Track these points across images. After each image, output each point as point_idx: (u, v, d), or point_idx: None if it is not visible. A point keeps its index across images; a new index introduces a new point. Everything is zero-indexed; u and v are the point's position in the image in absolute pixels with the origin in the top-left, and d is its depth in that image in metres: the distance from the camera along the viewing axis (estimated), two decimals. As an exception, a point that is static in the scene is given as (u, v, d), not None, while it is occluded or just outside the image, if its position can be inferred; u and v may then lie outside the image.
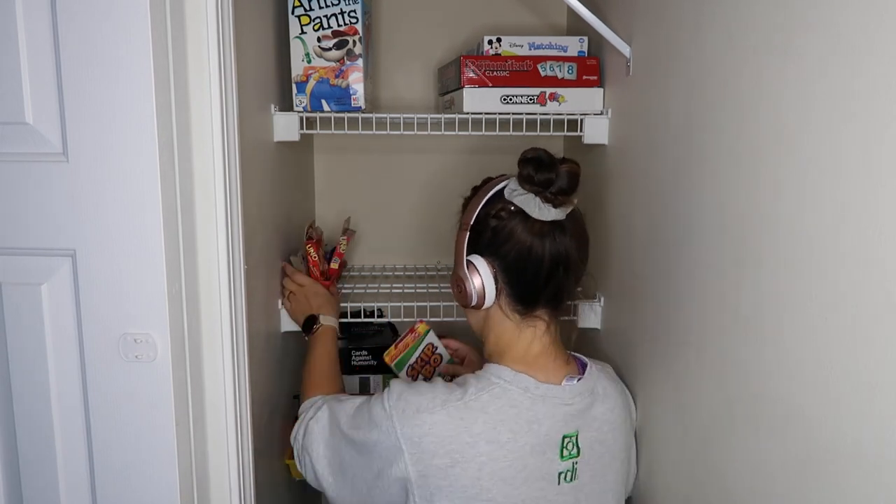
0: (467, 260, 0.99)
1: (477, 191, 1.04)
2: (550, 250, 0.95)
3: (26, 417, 0.92)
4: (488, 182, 1.03)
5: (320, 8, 1.26)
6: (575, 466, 0.97)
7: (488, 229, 0.98)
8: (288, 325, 1.32)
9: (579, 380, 0.99)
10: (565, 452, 0.95)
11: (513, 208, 0.96)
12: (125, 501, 0.92)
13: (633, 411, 1.09)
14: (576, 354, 1.06)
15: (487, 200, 0.99)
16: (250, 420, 1.04)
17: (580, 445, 0.97)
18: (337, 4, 1.26)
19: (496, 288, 0.98)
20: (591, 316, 1.34)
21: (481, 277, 0.97)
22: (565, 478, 0.96)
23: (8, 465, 0.94)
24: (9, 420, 0.92)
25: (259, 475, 1.11)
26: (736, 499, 0.80)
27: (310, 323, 1.23)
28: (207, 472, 0.99)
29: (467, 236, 1.00)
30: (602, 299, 1.32)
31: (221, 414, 0.99)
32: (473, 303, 0.99)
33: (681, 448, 0.95)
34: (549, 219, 0.94)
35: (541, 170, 0.93)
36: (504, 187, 0.99)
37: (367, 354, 1.58)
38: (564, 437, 0.96)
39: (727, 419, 0.82)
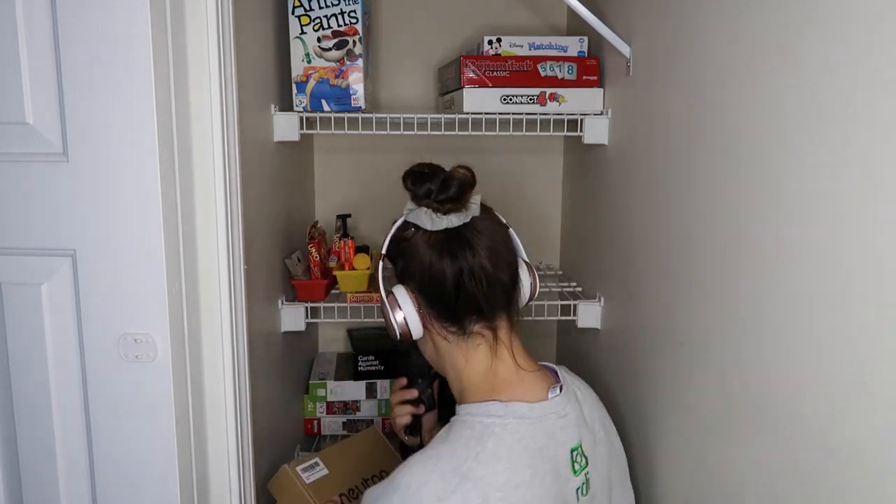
0: (386, 291, 0.92)
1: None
2: (450, 260, 0.88)
3: (26, 417, 0.92)
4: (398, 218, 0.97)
5: (320, 8, 1.26)
6: (587, 477, 0.91)
7: (399, 255, 0.93)
8: (288, 324, 1.32)
9: (561, 388, 0.92)
10: (576, 466, 0.90)
11: (413, 227, 0.91)
12: (125, 501, 0.92)
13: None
14: (544, 364, 0.98)
15: (399, 226, 0.93)
16: (250, 420, 1.04)
17: (587, 454, 0.92)
18: (337, 4, 1.26)
19: (419, 314, 0.91)
20: (590, 316, 1.34)
21: (399, 307, 0.91)
22: (581, 492, 0.90)
23: (8, 465, 0.94)
24: (9, 420, 0.92)
25: (259, 475, 1.11)
26: (736, 498, 0.80)
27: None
28: (207, 471, 0.99)
29: (381, 265, 0.94)
30: (602, 299, 1.32)
31: (221, 414, 0.99)
32: (398, 336, 0.92)
33: (681, 448, 0.95)
34: (441, 227, 0.88)
35: (418, 181, 0.90)
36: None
37: (374, 359, 1.56)
38: (572, 451, 0.90)
39: (727, 419, 0.82)
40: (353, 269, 1.36)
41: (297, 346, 1.51)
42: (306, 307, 1.33)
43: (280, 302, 1.32)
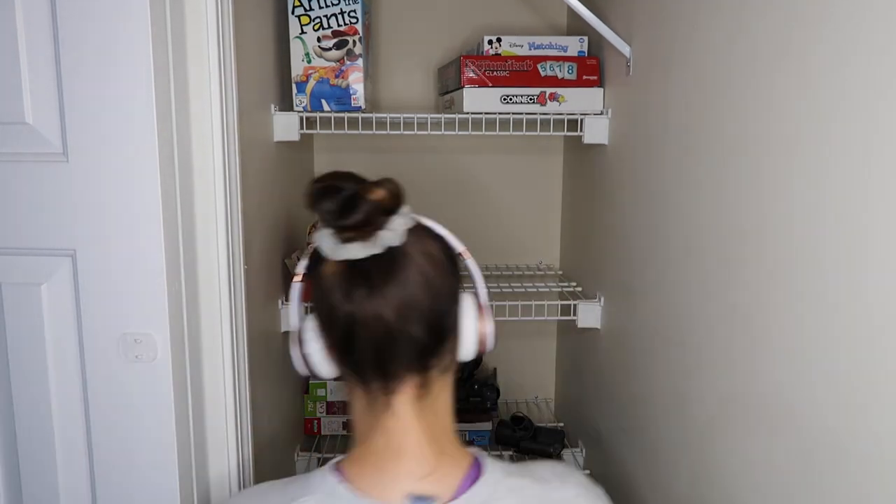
0: (293, 325, 0.76)
1: None
2: (343, 300, 0.68)
3: (26, 417, 0.92)
4: None
5: (320, 8, 1.26)
6: None
7: (310, 278, 0.74)
8: (288, 325, 1.32)
9: (436, 501, 0.69)
10: None
11: (316, 251, 0.72)
12: (125, 501, 0.92)
13: None
14: (479, 454, 0.75)
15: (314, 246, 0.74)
16: (250, 420, 1.04)
17: None
18: (337, 4, 1.26)
19: (325, 351, 0.72)
20: (590, 316, 1.34)
21: (303, 343, 0.73)
22: None
23: (8, 465, 0.94)
24: (9, 420, 0.92)
25: (259, 475, 1.11)
26: (735, 498, 0.80)
27: None
28: (207, 472, 0.99)
29: (295, 288, 0.77)
30: (602, 299, 1.32)
31: (221, 414, 0.99)
32: (301, 370, 0.76)
33: (680, 447, 0.95)
34: (340, 258, 0.68)
35: (321, 197, 0.68)
36: None
37: None
38: None
39: (726, 419, 0.82)
40: None
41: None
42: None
43: (280, 302, 1.32)
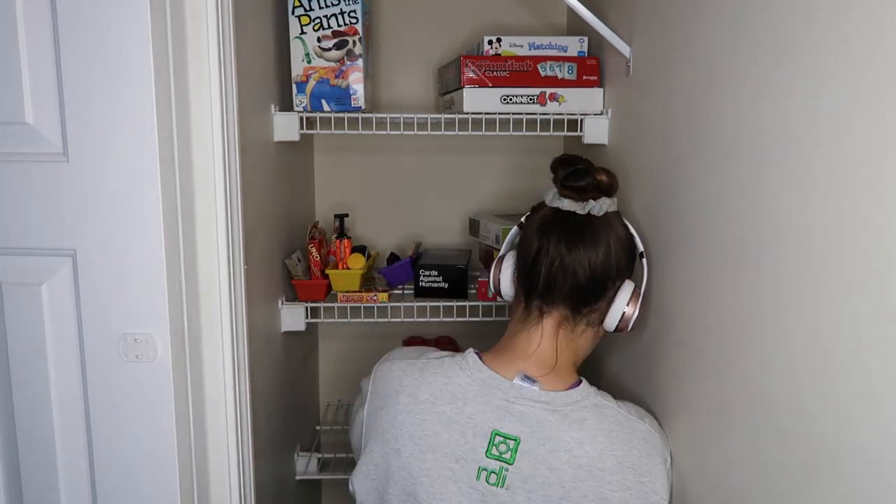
0: (500, 254, 1.04)
1: None
2: (540, 234, 0.96)
3: (26, 417, 0.92)
4: None
5: (320, 8, 1.26)
6: (504, 473, 0.89)
7: (524, 223, 1.04)
8: (288, 324, 1.32)
9: (543, 389, 0.92)
10: (494, 450, 0.90)
11: (541, 204, 1.02)
12: (125, 501, 0.92)
13: (658, 491, 0.91)
14: (582, 379, 0.97)
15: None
16: (250, 420, 1.04)
17: (517, 454, 0.89)
18: (337, 4, 1.26)
19: (514, 279, 1.01)
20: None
21: (501, 269, 1.02)
22: (488, 478, 0.89)
23: (8, 465, 0.94)
24: (9, 420, 0.92)
25: (259, 475, 1.11)
26: (736, 498, 0.80)
27: None
28: (207, 472, 0.99)
29: (513, 230, 1.05)
30: (602, 299, 1.32)
31: (221, 414, 0.99)
32: (493, 292, 1.04)
33: (681, 448, 0.95)
34: (556, 205, 0.96)
35: (564, 164, 0.98)
36: None
37: (436, 274, 1.40)
38: (495, 434, 0.90)
39: (727, 419, 0.82)
40: (347, 268, 1.36)
41: (297, 346, 1.51)
42: (306, 307, 1.33)
43: (280, 302, 1.32)
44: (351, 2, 1.26)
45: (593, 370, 1.37)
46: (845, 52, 0.60)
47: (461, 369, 0.95)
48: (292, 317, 1.33)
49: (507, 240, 1.06)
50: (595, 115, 1.30)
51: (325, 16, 1.26)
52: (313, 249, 1.34)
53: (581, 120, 1.30)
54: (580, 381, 0.96)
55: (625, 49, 1.17)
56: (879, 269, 0.56)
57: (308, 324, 1.35)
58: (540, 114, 1.29)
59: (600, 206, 0.95)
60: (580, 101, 1.30)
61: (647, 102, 1.09)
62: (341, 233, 1.42)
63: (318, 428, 1.67)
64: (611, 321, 0.97)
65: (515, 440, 0.90)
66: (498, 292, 1.04)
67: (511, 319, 1.02)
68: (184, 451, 0.92)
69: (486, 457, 0.90)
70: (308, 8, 1.25)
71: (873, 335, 0.57)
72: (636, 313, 0.97)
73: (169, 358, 0.88)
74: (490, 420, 0.91)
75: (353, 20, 1.26)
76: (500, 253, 1.04)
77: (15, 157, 0.86)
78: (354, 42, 1.27)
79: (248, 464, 1.04)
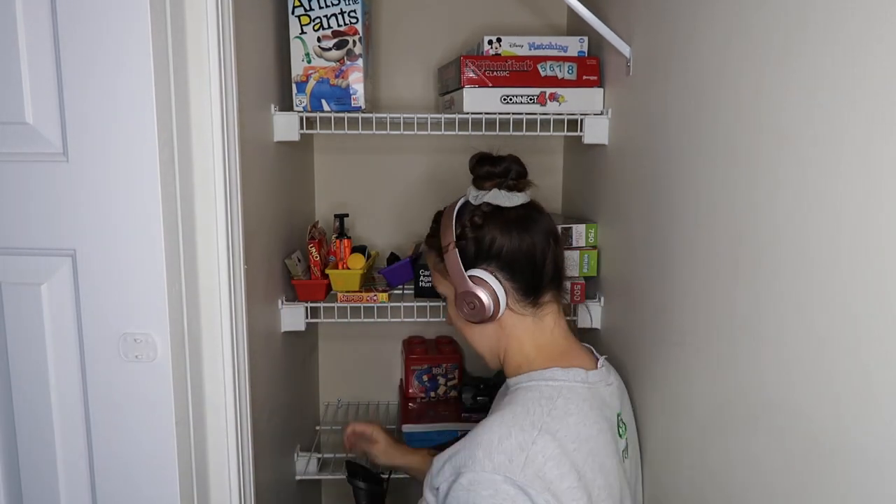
0: (469, 276, 0.96)
1: (439, 219, 1.04)
2: (536, 229, 0.98)
3: (26, 417, 0.92)
4: (444, 210, 1.04)
5: (320, 8, 1.26)
6: (628, 443, 1.01)
7: (470, 241, 0.97)
8: (288, 324, 1.32)
9: (606, 359, 1.03)
10: (621, 430, 1.00)
11: (484, 210, 0.98)
12: (125, 501, 0.92)
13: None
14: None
15: (457, 217, 0.99)
16: (250, 420, 1.04)
17: (625, 422, 1.02)
18: (337, 4, 1.26)
19: (504, 290, 0.97)
20: (591, 316, 1.34)
21: (490, 285, 0.95)
22: (625, 454, 0.99)
23: (8, 465, 0.94)
24: (9, 420, 0.92)
25: (259, 475, 1.11)
26: (736, 498, 0.80)
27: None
28: (207, 472, 0.99)
29: (456, 253, 0.97)
30: (602, 299, 1.32)
31: (221, 414, 0.99)
32: (490, 314, 0.96)
33: (680, 448, 0.95)
34: (518, 202, 0.98)
35: (495, 163, 0.99)
36: (465, 202, 1.01)
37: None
38: (618, 416, 0.99)
39: (726, 419, 0.82)
40: (347, 268, 1.36)
41: (297, 346, 1.51)
42: (306, 307, 1.33)
43: (280, 302, 1.32)
44: (351, 2, 1.26)
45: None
46: (843, 52, 0.60)
47: (580, 383, 0.94)
48: (292, 317, 1.33)
49: (453, 269, 0.97)
50: (595, 115, 1.30)
51: (325, 16, 1.26)
52: (313, 249, 1.34)
53: (581, 120, 1.30)
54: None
55: (625, 49, 1.17)
56: (877, 269, 0.56)
57: (308, 324, 1.35)
58: (540, 114, 1.29)
59: (531, 187, 1.03)
60: (580, 101, 1.30)
61: (647, 102, 1.09)
62: (341, 233, 1.42)
63: (318, 428, 1.67)
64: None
65: (619, 412, 1.00)
66: (494, 314, 0.96)
67: (515, 331, 0.99)
68: (184, 451, 0.92)
69: (620, 438, 0.98)
70: (308, 8, 1.25)
71: (872, 334, 0.57)
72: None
73: (169, 358, 0.88)
74: (614, 408, 0.99)
75: (353, 20, 1.26)
76: (466, 280, 0.95)
77: (15, 157, 0.86)
78: (354, 42, 1.27)
79: (248, 464, 1.04)
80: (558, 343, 1.00)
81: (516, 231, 0.96)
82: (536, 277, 0.98)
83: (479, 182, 1.00)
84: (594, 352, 1.05)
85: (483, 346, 1.03)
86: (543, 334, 1.00)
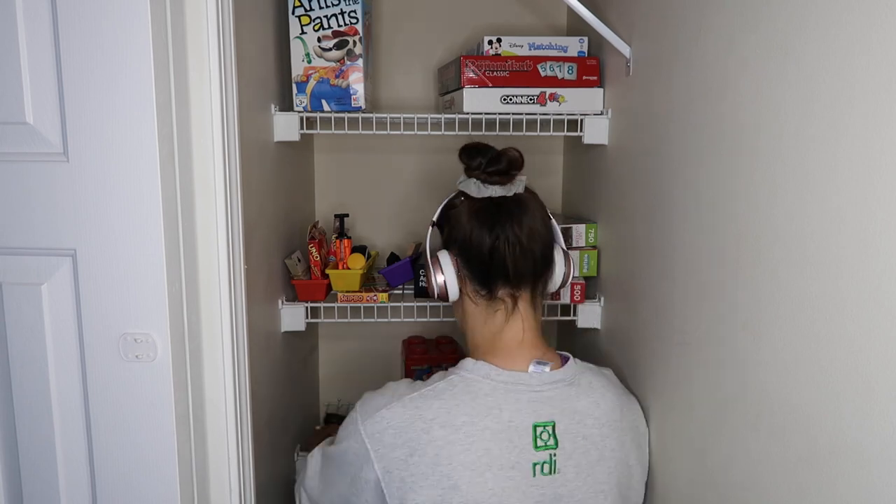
0: (431, 254, 1.03)
1: None
2: (490, 225, 0.98)
3: (26, 417, 0.92)
4: None
5: (320, 8, 1.26)
6: (553, 459, 0.94)
7: (447, 222, 1.03)
8: (288, 324, 1.32)
9: (552, 368, 0.98)
10: (539, 442, 0.94)
11: (462, 197, 1.02)
12: (125, 501, 0.92)
13: (640, 423, 1.05)
14: (561, 353, 1.04)
15: (450, 196, 1.05)
16: (250, 420, 1.04)
17: (557, 437, 0.95)
18: (337, 4, 1.26)
19: (458, 276, 1.01)
20: (591, 316, 1.34)
21: (441, 268, 1.01)
22: (542, 470, 0.94)
23: (8, 465, 0.94)
24: (9, 420, 0.92)
25: (259, 475, 1.11)
26: (736, 498, 0.80)
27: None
28: (207, 472, 0.99)
29: (430, 231, 1.05)
30: (602, 299, 1.32)
31: (221, 414, 0.99)
32: (436, 293, 1.02)
33: (680, 447, 0.95)
34: (486, 195, 0.98)
35: (474, 154, 1.00)
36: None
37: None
38: (536, 426, 0.94)
39: (726, 418, 0.82)
40: (347, 268, 1.36)
41: (297, 346, 1.51)
42: (306, 307, 1.33)
43: (280, 302, 1.32)
44: (351, 2, 1.26)
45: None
46: (843, 53, 0.60)
47: (482, 378, 0.95)
48: (292, 317, 1.33)
49: (427, 241, 1.06)
50: (595, 115, 1.30)
51: (326, 16, 1.26)
52: (313, 249, 1.34)
53: (581, 120, 1.30)
54: (563, 353, 1.04)
55: (625, 49, 1.17)
56: (878, 269, 0.56)
57: (308, 324, 1.35)
58: (540, 114, 1.29)
59: (522, 182, 1.01)
60: (580, 101, 1.30)
61: (647, 102, 1.09)
62: (341, 233, 1.42)
63: (317, 428, 1.67)
64: (556, 281, 1.04)
65: (552, 424, 0.95)
66: (444, 295, 1.02)
67: (470, 319, 1.03)
68: (184, 451, 0.92)
69: (535, 450, 0.94)
70: (308, 8, 1.25)
71: (872, 334, 0.57)
72: (572, 268, 1.06)
73: (169, 358, 0.88)
74: (527, 415, 0.94)
75: (354, 20, 1.26)
76: (428, 256, 1.04)
77: (15, 157, 0.86)
78: (354, 42, 1.27)
79: (248, 464, 1.04)
80: (501, 339, 1.00)
81: (473, 223, 0.98)
82: (484, 273, 0.99)
83: (465, 170, 1.03)
84: (570, 359, 1.02)
85: (458, 322, 1.09)
86: (490, 328, 1.01)
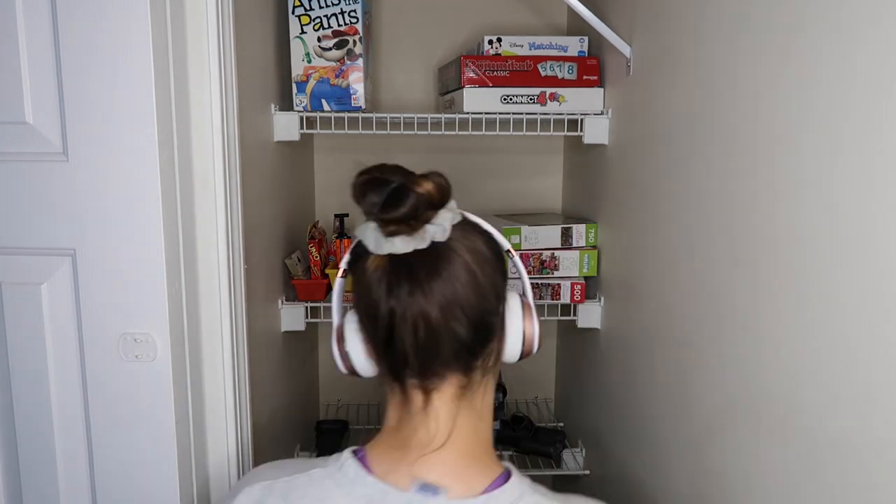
0: (338, 314, 0.75)
1: None
2: (386, 295, 0.66)
3: (26, 417, 0.92)
4: None
5: (320, 8, 1.26)
6: None
7: (353, 273, 0.72)
8: (288, 324, 1.32)
9: (449, 495, 0.67)
10: None
11: (358, 246, 0.70)
12: (125, 501, 0.92)
13: None
14: (511, 469, 0.71)
15: (356, 240, 0.72)
16: (250, 420, 1.04)
17: None
18: (337, 4, 1.26)
19: (365, 349, 0.71)
20: (591, 316, 1.34)
21: (345, 338, 0.72)
22: None
23: (8, 465, 0.94)
24: (9, 420, 0.92)
25: (259, 475, 1.11)
26: (736, 498, 0.80)
27: None
28: (207, 472, 0.99)
29: (337, 283, 0.76)
30: (602, 299, 1.32)
31: (221, 414, 0.99)
32: (342, 369, 0.73)
33: (680, 448, 0.95)
34: (384, 252, 0.66)
35: (365, 190, 0.67)
36: None
37: None
38: None
39: (726, 418, 0.82)
40: None
41: (297, 346, 1.51)
42: (306, 307, 1.33)
43: (280, 302, 1.32)
44: (351, 1, 1.26)
45: (591, 374, 1.37)
46: (843, 52, 0.60)
47: (337, 486, 0.69)
48: (292, 317, 1.33)
49: (334, 296, 0.76)
50: (595, 114, 1.30)
51: (326, 15, 1.26)
52: (313, 249, 1.34)
53: (581, 120, 1.30)
54: (507, 473, 0.70)
55: (625, 49, 1.17)
56: (877, 269, 0.56)
57: (308, 324, 1.35)
58: (540, 114, 1.29)
59: (443, 227, 0.66)
60: (580, 101, 1.30)
61: (647, 102, 1.09)
62: (341, 233, 1.42)
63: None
64: (511, 353, 0.72)
65: None
66: (353, 372, 0.73)
67: (388, 400, 0.73)
68: (184, 451, 0.92)
69: None
70: (308, 8, 1.25)
71: (872, 334, 0.57)
72: (538, 325, 0.73)
73: (169, 358, 0.88)
74: None
75: (354, 20, 1.26)
76: (335, 318, 0.75)
77: (15, 157, 0.85)
78: (354, 42, 1.27)
79: (248, 463, 1.04)
80: (396, 435, 0.70)
81: (365, 289, 0.68)
82: (379, 354, 0.69)
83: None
84: (505, 484, 0.68)
85: None
86: (392, 419, 0.72)
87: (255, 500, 0.71)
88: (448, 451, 0.68)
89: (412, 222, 0.65)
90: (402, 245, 0.65)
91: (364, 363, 0.71)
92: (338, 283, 0.76)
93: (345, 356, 0.72)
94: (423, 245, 0.65)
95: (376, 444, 0.72)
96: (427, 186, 0.66)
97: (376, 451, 0.71)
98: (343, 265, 0.73)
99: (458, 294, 0.66)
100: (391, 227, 0.65)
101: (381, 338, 0.68)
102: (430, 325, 0.65)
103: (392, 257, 0.66)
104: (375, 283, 0.66)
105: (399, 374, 0.69)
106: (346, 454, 0.71)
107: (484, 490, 0.68)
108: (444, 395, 0.69)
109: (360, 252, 0.69)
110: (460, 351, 0.68)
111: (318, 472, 0.71)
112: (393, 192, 0.65)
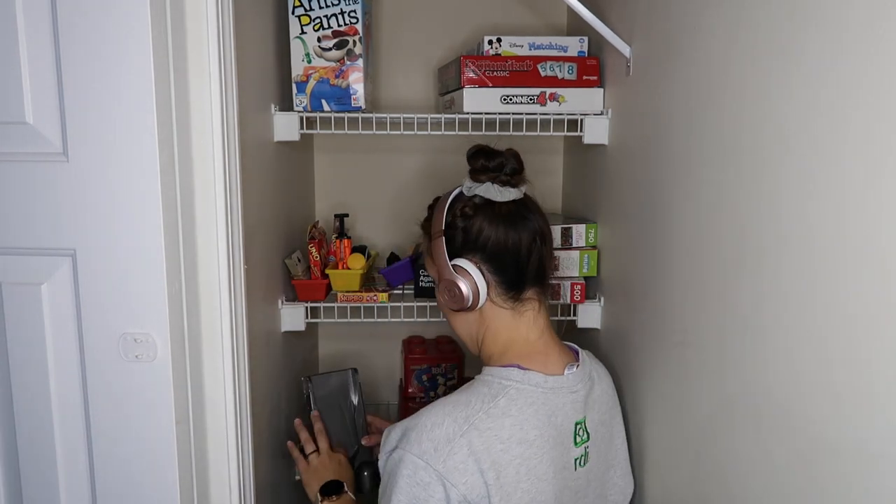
0: (452, 264, 0.99)
1: (433, 207, 1.07)
2: (523, 226, 0.99)
3: (26, 417, 0.92)
4: (440, 197, 1.07)
5: (320, 8, 1.26)
6: (587, 451, 1.00)
7: (458, 231, 1.00)
8: (288, 324, 1.32)
9: (577, 367, 1.01)
10: (578, 439, 0.98)
11: (476, 202, 1.00)
12: (125, 501, 0.92)
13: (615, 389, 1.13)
14: (568, 343, 1.07)
15: (449, 206, 1.02)
16: (250, 420, 1.04)
17: (589, 430, 1.00)
18: (337, 4, 1.26)
19: (486, 282, 0.99)
20: (591, 316, 1.34)
21: (472, 276, 0.98)
22: (580, 463, 0.99)
23: (8, 465, 0.94)
24: (9, 419, 0.92)
25: (259, 475, 1.11)
26: (735, 498, 0.80)
27: (333, 488, 1.12)
28: (207, 472, 0.99)
29: (443, 241, 1.01)
30: (602, 299, 1.32)
31: (221, 414, 0.99)
32: (469, 303, 0.99)
33: (680, 448, 0.95)
34: (511, 198, 0.99)
35: (490, 157, 1.00)
36: (459, 191, 1.03)
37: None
38: (576, 425, 0.98)
39: (727, 419, 0.82)
40: (347, 268, 1.36)
41: (297, 346, 1.51)
42: (306, 307, 1.33)
43: (280, 302, 1.32)
44: (351, 2, 1.26)
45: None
46: (845, 51, 0.60)
47: (534, 387, 0.94)
48: (292, 317, 1.33)
49: (438, 257, 1.01)
50: (595, 115, 1.30)
51: (326, 16, 1.26)
52: (313, 249, 1.34)
53: (581, 120, 1.30)
54: (569, 344, 1.06)
55: (625, 49, 1.17)
56: (879, 267, 0.56)
57: (308, 324, 1.35)
58: (540, 114, 1.29)
59: (525, 184, 1.03)
60: (580, 101, 1.30)
61: (647, 102, 1.09)
62: (341, 233, 1.42)
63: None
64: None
65: (584, 419, 0.99)
66: (474, 304, 0.99)
67: (494, 324, 1.01)
68: (184, 451, 0.92)
69: (575, 447, 0.98)
70: (308, 8, 1.25)
71: (873, 334, 0.57)
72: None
73: (169, 358, 0.88)
74: (570, 417, 0.97)
75: (354, 20, 1.26)
76: (449, 269, 0.99)
77: (15, 157, 0.86)
78: (354, 42, 1.27)
79: (248, 464, 1.04)
80: (531, 341, 1.00)
81: (503, 226, 0.98)
82: (519, 273, 0.99)
83: (475, 174, 1.01)
84: (579, 352, 1.05)
85: (463, 332, 1.06)
86: (519, 330, 1.01)
87: (481, 430, 0.89)
88: (555, 338, 1.03)
89: (521, 176, 1.01)
90: (516, 193, 1.00)
91: (485, 292, 0.99)
92: (442, 243, 1.01)
93: (475, 292, 0.98)
94: (520, 196, 1.01)
95: (518, 357, 0.98)
96: (514, 154, 1.02)
97: (525, 361, 0.97)
98: (440, 226, 1.01)
99: (547, 225, 1.03)
100: (515, 178, 1.00)
101: (522, 260, 0.99)
102: (549, 243, 1.02)
103: (515, 201, 1.00)
104: (508, 222, 0.98)
105: (520, 288, 1.00)
106: (514, 369, 0.96)
107: (576, 358, 1.03)
108: (540, 302, 1.02)
109: (467, 209, 1.00)
110: (550, 268, 1.04)
111: (508, 390, 0.94)
112: (515, 156, 1.01)
